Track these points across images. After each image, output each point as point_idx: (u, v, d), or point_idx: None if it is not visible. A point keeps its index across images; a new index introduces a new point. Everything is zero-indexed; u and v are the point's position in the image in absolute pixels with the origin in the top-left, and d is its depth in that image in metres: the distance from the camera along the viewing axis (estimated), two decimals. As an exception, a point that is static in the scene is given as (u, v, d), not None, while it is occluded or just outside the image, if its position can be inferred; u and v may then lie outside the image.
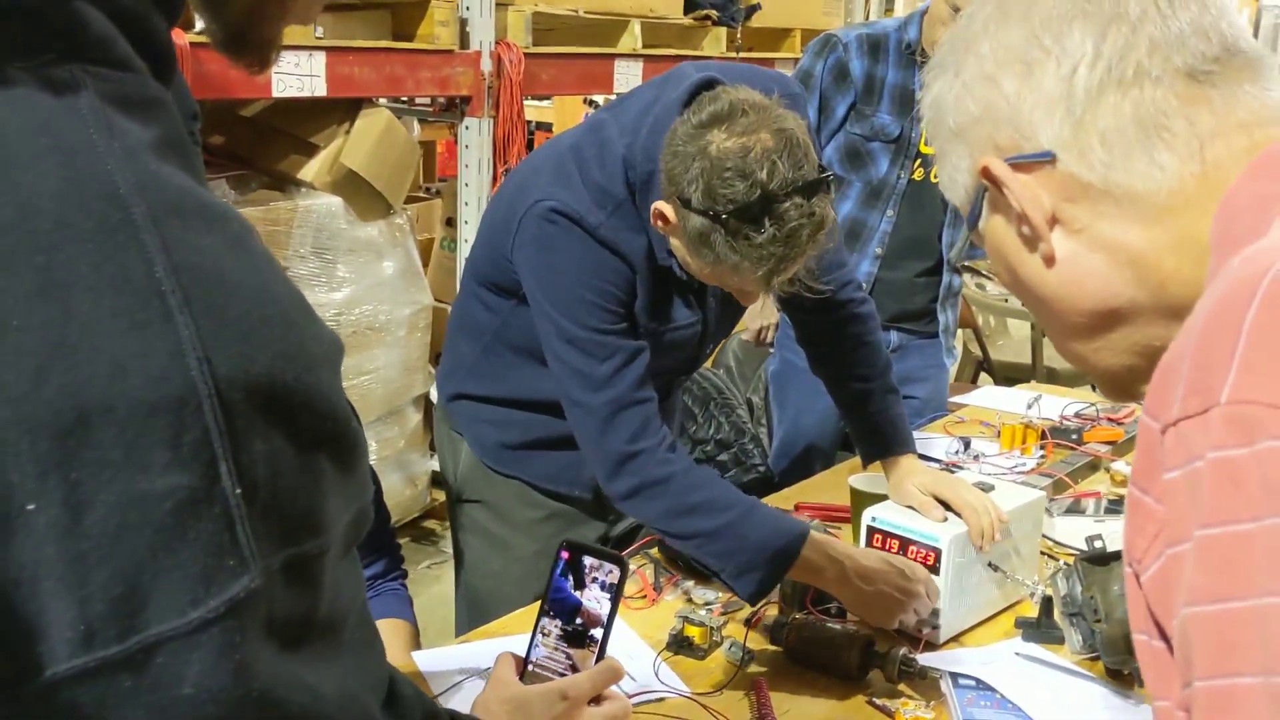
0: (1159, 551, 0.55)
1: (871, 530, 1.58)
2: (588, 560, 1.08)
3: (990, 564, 1.58)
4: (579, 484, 1.83)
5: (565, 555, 1.09)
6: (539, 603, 1.10)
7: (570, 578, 1.08)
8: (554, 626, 1.07)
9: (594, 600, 1.06)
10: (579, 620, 1.06)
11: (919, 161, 2.45)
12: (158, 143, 0.50)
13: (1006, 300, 5.33)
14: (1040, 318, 0.75)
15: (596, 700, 1.04)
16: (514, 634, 1.48)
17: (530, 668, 1.06)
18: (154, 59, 0.53)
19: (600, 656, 1.05)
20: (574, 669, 1.05)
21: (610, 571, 1.06)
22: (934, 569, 1.52)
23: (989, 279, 4.53)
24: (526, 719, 1.00)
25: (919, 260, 2.51)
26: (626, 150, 1.50)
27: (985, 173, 0.70)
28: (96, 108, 0.48)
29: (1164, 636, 0.56)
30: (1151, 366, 0.68)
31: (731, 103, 1.35)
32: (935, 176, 2.46)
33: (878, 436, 1.75)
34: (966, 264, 2.77)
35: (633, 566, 1.71)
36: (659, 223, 1.44)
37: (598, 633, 1.06)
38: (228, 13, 0.62)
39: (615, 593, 1.06)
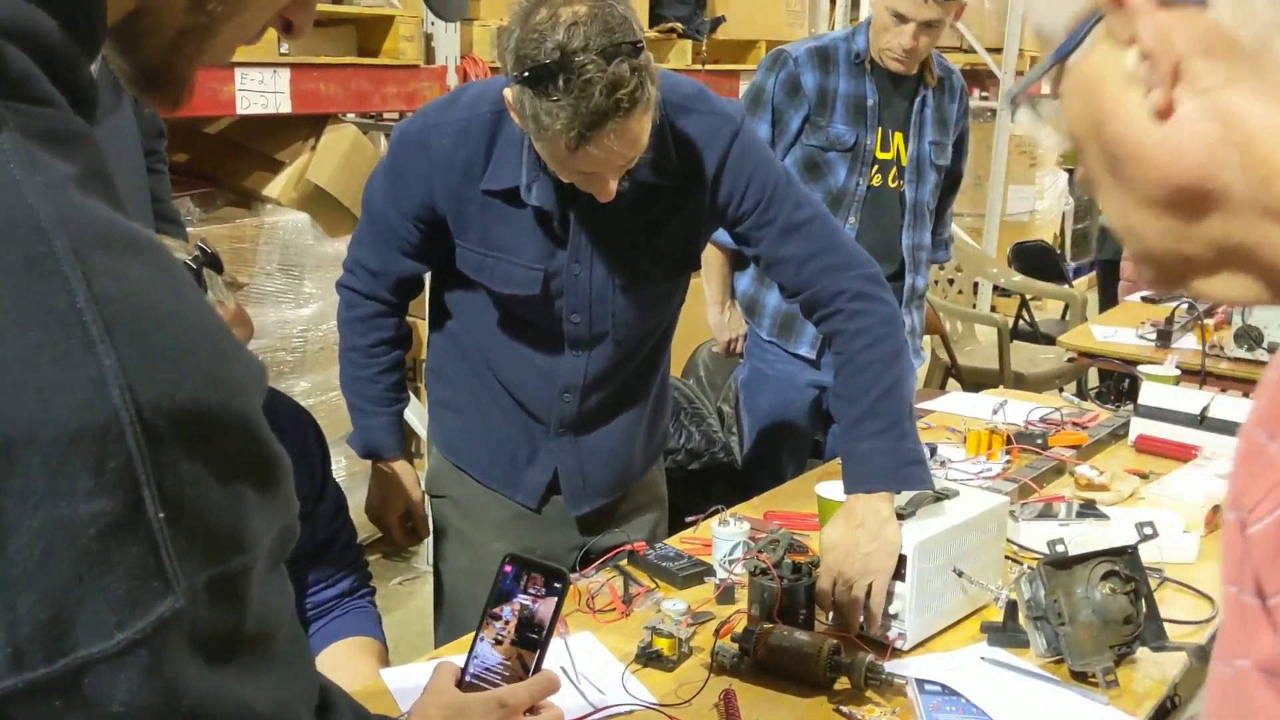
0: (1277, 504, 0.51)
1: None
2: (530, 574, 1.10)
3: (955, 569, 1.60)
4: (521, 490, 1.85)
5: (509, 569, 1.11)
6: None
7: (512, 591, 1.10)
8: (493, 639, 1.10)
9: (535, 613, 1.09)
10: (519, 633, 1.09)
11: (876, 168, 2.50)
12: (80, 176, 0.51)
13: (974, 306, 5.38)
14: (1107, 179, 0.64)
15: (533, 710, 1.07)
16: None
17: (468, 679, 1.08)
18: (74, 94, 0.54)
19: (538, 668, 1.08)
20: (511, 681, 1.07)
21: (552, 585, 1.09)
22: (899, 575, 1.54)
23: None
24: None
25: (882, 264, 2.53)
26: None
27: None
28: (17, 143, 0.49)
29: (1260, 594, 0.52)
30: (1216, 262, 0.61)
31: None
32: (893, 181, 2.51)
33: (845, 469, 1.62)
34: (937, 260, 2.78)
35: (602, 579, 1.72)
36: (513, 114, 1.50)
37: (537, 645, 1.08)
38: (143, 54, 0.62)
39: (556, 606, 1.08)
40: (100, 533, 0.47)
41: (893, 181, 2.51)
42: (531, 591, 1.10)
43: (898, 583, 1.53)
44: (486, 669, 1.09)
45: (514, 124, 1.54)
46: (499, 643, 1.09)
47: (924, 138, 2.50)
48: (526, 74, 1.39)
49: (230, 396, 0.52)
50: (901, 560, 1.53)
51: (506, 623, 1.09)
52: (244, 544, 0.53)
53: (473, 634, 1.13)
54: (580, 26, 1.37)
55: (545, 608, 1.09)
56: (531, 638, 1.09)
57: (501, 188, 1.63)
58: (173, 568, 0.49)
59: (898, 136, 2.49)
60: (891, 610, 1.54)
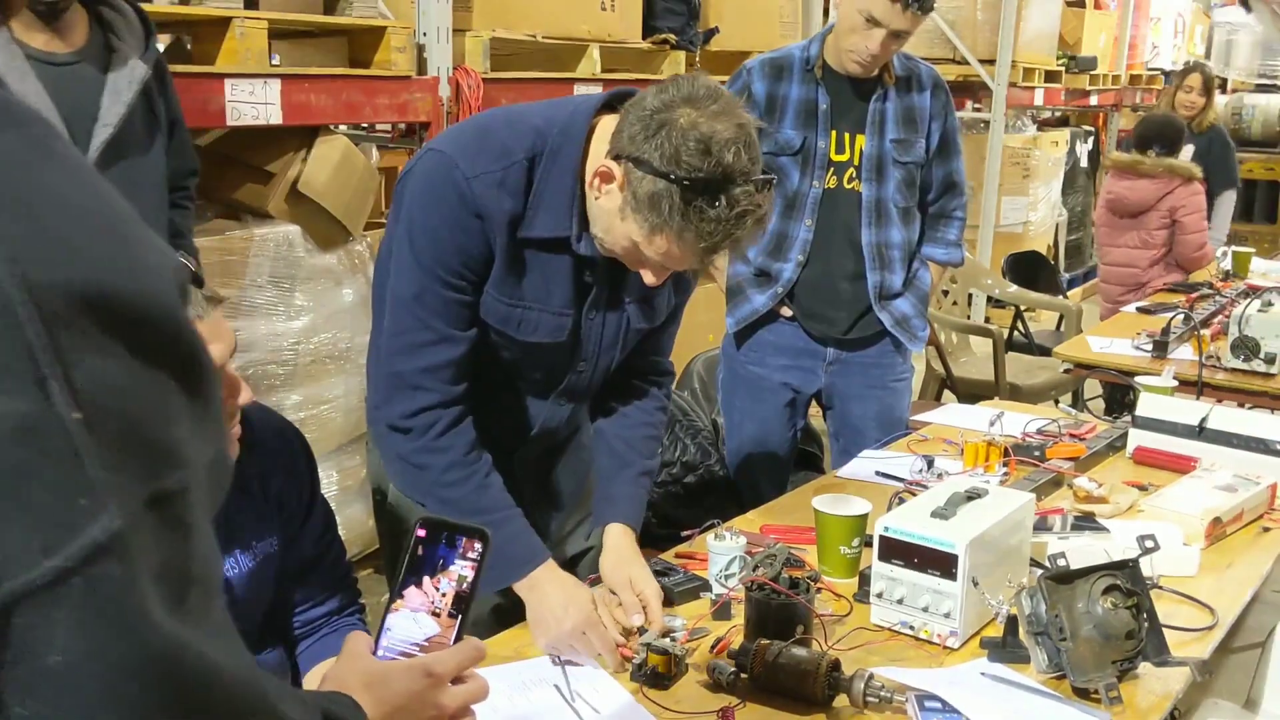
0: None
1: (885, 539, 1.60)
2: (448, 537, 1.00)
3: (973, 579, 1.58)
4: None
5: (422, 533, 1.01)
6: (413, 586, 1.01)
7: (429, 557, 1.00)
8: (409, 609, 1.00)
9: (454, 579, 1.00)
10: (438, 601, 0.99)
11: (831, 170, 2.52)
12: None
13: (968, 318, 5.38)
14: None
15: (458, 680, 0.98)
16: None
17: (380, 653, 0.99)
18: None
19: (460, 636, 0.99)
20: (431, 651, 0.98)
21: (472, 547, 0.99)
22: (950, 574, 1.54)
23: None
24: (385, 693, 0.93)
25: (842, 262, 2.57)
26: (543, 122, 1.56)
27: None
28: None
29: None
30: None
31: (706, 87, 1.44)
32: (849, 182, 2.52)
33: (607, 504, 1.77)
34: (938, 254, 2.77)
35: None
36: (596, 181, 1.49)
37: (458, 612, 0.99)
38: None
39: (477, 569, 0.99)
40: (8, 439, 0.39)
41: (848, 182, 2.53)
42: (460, 556, 1.00)
43: (947, 582, 1.54)
44: (403, 643, 0.99)
45: (551, 171, 1.53)
46: (422, 617, 0.99)
47: (884, 136, 2.51)
48: (688, 181, 1.39)
49: (140, 280, 0.45)
50: (952, 560, 1.54)
51: (425, 592, 1.00)
52: (177, 457, 0.45)
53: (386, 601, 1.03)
54: (735, 148, 1.39)
55: (467, 573, 0.99)
56: (452, 608, 0.99)
57: (545, 235, 1.56)
58: (101, 480, 0.41)
59: (859, 139, 2.51)
60: (943, 610, 1.56)
